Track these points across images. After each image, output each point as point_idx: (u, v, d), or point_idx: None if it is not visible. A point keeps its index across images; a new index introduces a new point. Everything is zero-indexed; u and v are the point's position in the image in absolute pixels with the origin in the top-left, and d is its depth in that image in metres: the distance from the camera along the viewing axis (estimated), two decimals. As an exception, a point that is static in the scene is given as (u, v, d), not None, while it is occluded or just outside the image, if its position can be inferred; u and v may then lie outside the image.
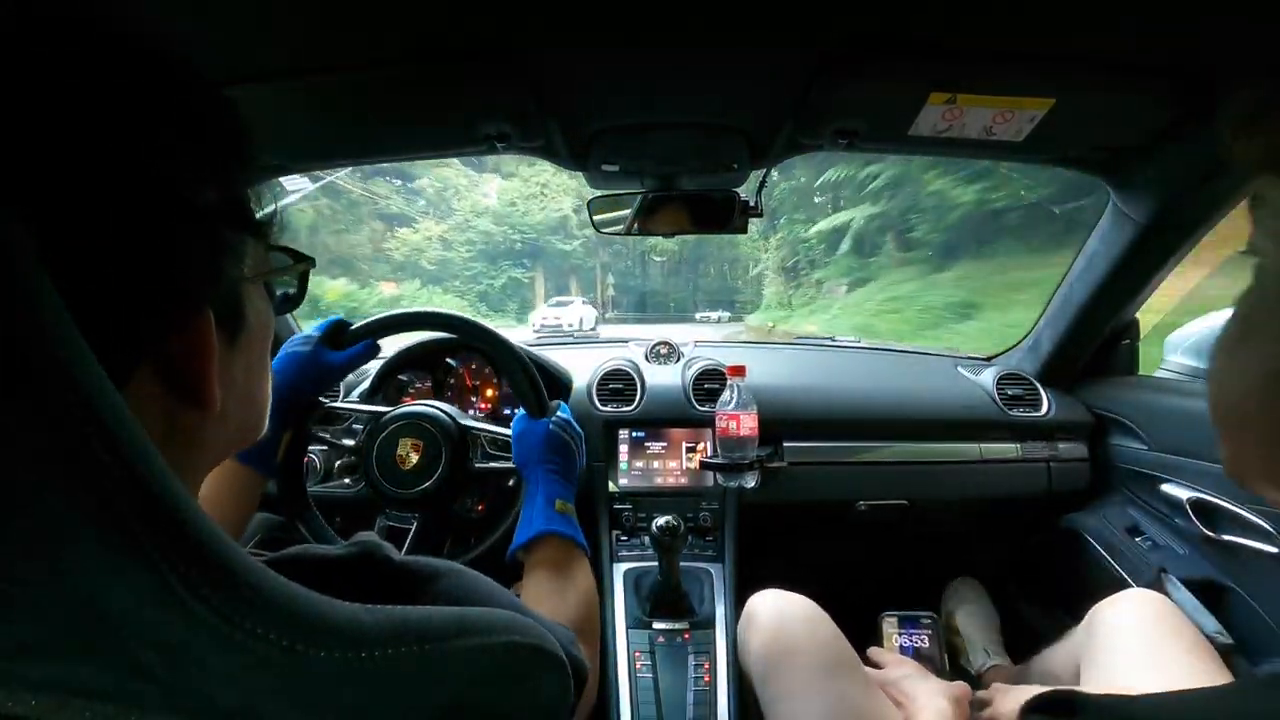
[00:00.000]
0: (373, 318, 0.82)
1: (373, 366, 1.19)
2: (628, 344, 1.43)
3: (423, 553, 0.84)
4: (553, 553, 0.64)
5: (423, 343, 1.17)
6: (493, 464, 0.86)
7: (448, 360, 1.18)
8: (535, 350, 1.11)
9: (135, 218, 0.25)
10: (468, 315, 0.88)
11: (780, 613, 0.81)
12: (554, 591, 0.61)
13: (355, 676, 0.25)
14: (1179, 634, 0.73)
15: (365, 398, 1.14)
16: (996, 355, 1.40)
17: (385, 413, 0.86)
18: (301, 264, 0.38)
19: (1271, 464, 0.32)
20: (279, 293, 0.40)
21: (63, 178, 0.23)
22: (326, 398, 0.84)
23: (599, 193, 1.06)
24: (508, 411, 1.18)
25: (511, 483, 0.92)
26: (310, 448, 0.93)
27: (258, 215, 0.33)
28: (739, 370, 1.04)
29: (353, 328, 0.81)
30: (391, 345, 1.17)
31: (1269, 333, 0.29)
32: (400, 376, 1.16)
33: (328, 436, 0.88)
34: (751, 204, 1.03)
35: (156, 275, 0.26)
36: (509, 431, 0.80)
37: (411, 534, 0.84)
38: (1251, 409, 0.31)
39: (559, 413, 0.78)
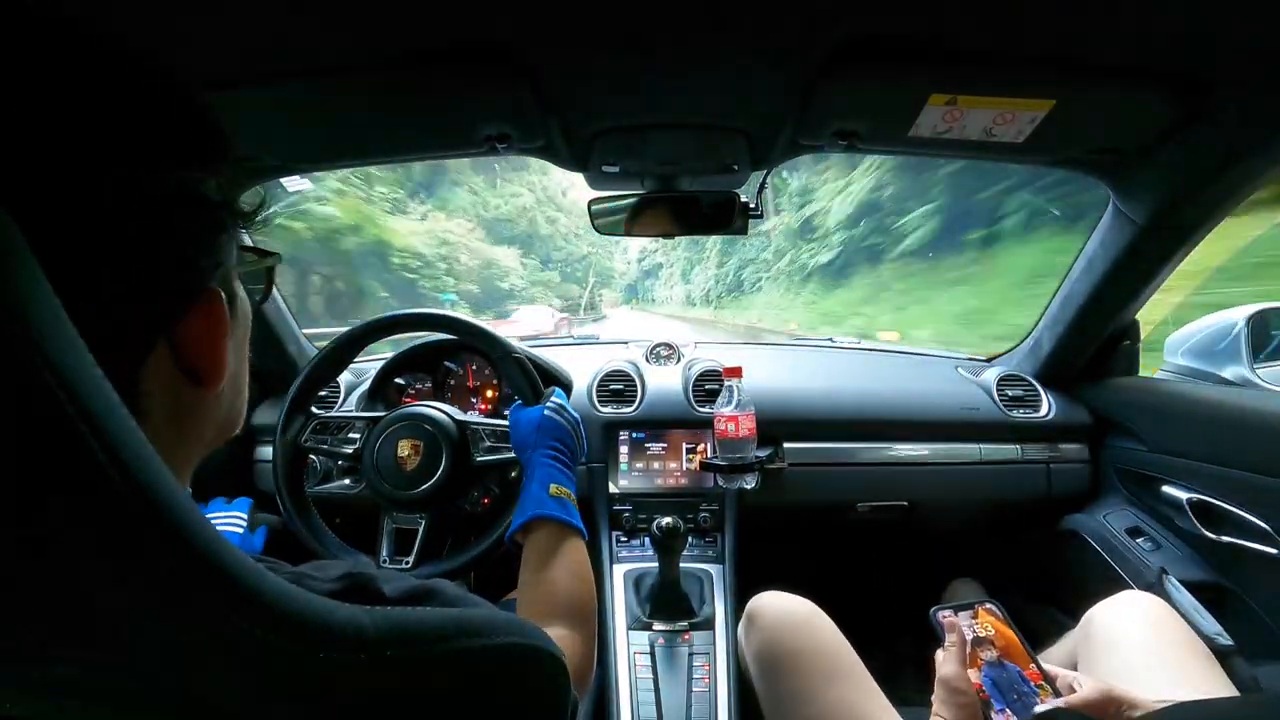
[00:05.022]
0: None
1: (371, 369, 1.19)
2: (628, 345, 1.43)
3: (431, 551, 0.84)
4: (544, 538, 0.64)
5: (421, 344, 1.16)
6: (494, 457, 0.85)
7: (447, 364, 1.17)
8: (535, 351, 1.10)
9: (147, 204, 0.26)
10: (449, 312, 0.87)
11: (782, 614, 0.81)
12: (537, 580, 0.61)
13: (355, 678, 0.25)
14: (1175, 636, 0.73)
15: (364, 400, 1.13)
16: (997, 356, 1.40)
17: (382, 416, 0.86)
18: (269, 259, 0.40)
19: None
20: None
21: (71, 174, 0.23)
22: (321, 408, 0.85)
23: (600, 194, 1.05)
24: (508, 412, 1.18)
25: (515, 474, 0.91)
26: (310, 456, 0.92)
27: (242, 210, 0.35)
28: (735, 372, 1.04)
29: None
30: (390, 347, 1.17)
31: None
32: (398, 379, 1.15)
33: (326, 445, 0.87)
34: (752, 205, 1.03)
35: (170, 255, 0.27)
36: (507, 423, 0.80)
37: (420, 535, 0.84)
38: None
39: (553, 398, 0.78)
